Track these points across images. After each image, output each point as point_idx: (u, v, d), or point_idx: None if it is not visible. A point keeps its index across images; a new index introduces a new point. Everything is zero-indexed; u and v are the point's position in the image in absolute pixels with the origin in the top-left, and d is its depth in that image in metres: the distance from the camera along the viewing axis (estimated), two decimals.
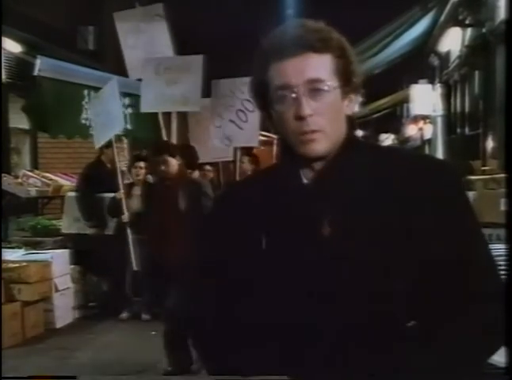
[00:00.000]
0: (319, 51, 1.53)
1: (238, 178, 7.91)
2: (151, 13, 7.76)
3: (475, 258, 1.54)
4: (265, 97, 1.58)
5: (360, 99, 1.62)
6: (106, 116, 7.62)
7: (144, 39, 7.80)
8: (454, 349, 1.49)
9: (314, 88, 1.52)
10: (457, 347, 1.49)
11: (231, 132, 7.88)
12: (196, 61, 7.70)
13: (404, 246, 1.50)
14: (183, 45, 8.08)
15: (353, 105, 1.60)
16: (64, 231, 8.29)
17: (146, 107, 7.95)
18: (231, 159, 8.80)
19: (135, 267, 7.51)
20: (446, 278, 1.51)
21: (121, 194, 7.62)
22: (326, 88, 1.53)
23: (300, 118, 1.52)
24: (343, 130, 1.58)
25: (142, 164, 7.98)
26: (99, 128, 7.74)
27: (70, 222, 8.26)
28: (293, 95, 1.52)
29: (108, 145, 7.81)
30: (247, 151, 8.35)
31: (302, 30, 1.54)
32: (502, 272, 1.61)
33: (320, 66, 1.53)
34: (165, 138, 8.07)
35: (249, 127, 7.79)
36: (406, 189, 1.54)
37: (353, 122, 1.61)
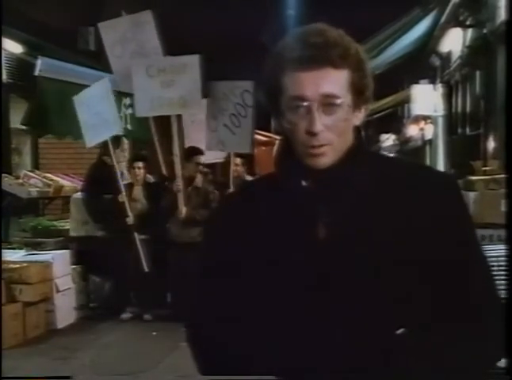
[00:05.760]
0: (337, 66, 1.51)
1: (231, 180, 7.83)
2: (139, 21, 7.46)
3: (472, 270, 1.55)
4: (276, 102, 1.56)
5: (368, 109, 1.60)
6: (97, 117, 7.42)
7: (131, 48, 7.52)
8: (451, 357, 1.49)
9: (328, 103, 1.51)
10: (454, 355, 1.49)
11: (225, 137, 7.50)
12: (192, 61, 7.35)
13: (401, 255, 1.51)
14: (175, 50, 7.85)
15: (362, 116, 1.60)
16: (72, 234, 8.22)
17: (141, 111, 7.60)
18: (221, 161, 8.73)
19: (146, 269, 7.50)
20: (442, 287, 1.51)
21: (123, 196, 7.59)
22: (339, 102, 1.52)
23: (312, 134, 1.51)
24: (350, 140, 1.58)
25: (140, 164, 7.95)
26: (89, 129, 7.54)
27: (77, 225, 8.21)
28: (306, 105, 1.51)
29: (107, 145, 7.70)
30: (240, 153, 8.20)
31: (322, 40, 1.50)
32: (502, 273, 1.61)
33: (337, 82, 1.51)
34: (157, 142, 8.01)
35: (241, 133, 7.38)
36: (405, 199, 1.55)
37: (359, 131, 1.61)
